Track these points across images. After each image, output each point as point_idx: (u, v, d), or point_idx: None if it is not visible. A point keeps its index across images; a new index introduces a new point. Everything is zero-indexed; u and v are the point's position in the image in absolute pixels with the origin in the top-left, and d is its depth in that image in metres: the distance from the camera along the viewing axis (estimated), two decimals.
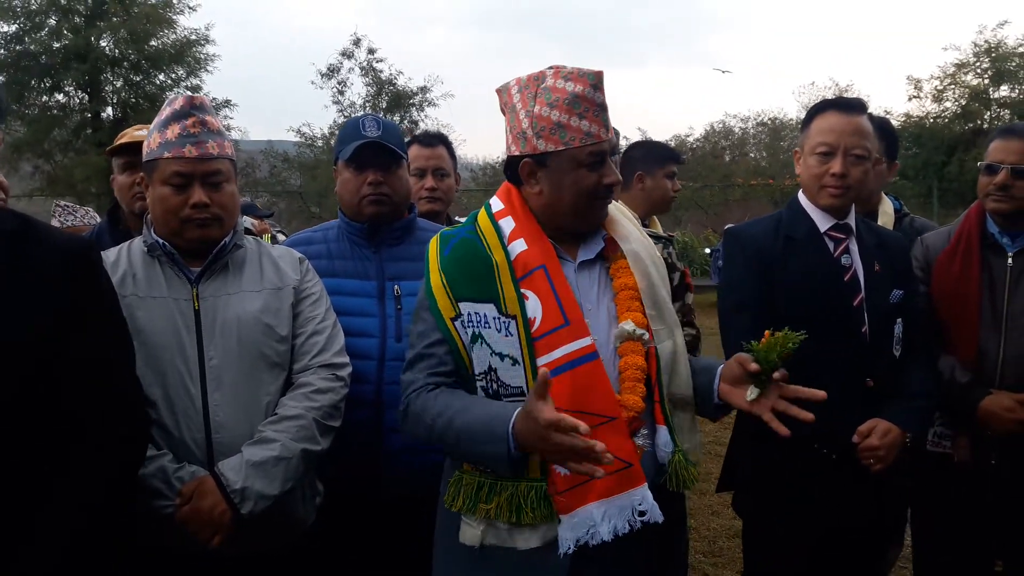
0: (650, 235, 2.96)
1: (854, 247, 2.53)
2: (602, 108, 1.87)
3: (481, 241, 1.93)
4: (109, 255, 2.12)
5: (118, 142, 2.93)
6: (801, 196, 2.60)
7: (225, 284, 2.14)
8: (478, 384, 1.86)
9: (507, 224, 1.95)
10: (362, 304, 2.46)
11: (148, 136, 2.16)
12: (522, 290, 1.86)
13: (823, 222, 2.53)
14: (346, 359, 2.23)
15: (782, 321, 2.42)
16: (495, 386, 1.84)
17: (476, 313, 1.85)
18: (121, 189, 2.88)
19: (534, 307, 1.84)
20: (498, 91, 2.00)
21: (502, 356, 1.83)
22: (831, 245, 2.51)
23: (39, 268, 1.64)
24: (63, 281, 1.66)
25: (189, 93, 2.20)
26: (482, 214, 2.01)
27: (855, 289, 2.47)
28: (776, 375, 1.82)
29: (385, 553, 2.39)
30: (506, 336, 1.83)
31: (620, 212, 2.12)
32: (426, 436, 1.86)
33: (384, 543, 2.39)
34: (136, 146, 2.74)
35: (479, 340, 1.84)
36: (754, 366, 1.84)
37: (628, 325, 1.87)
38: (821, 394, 1.82)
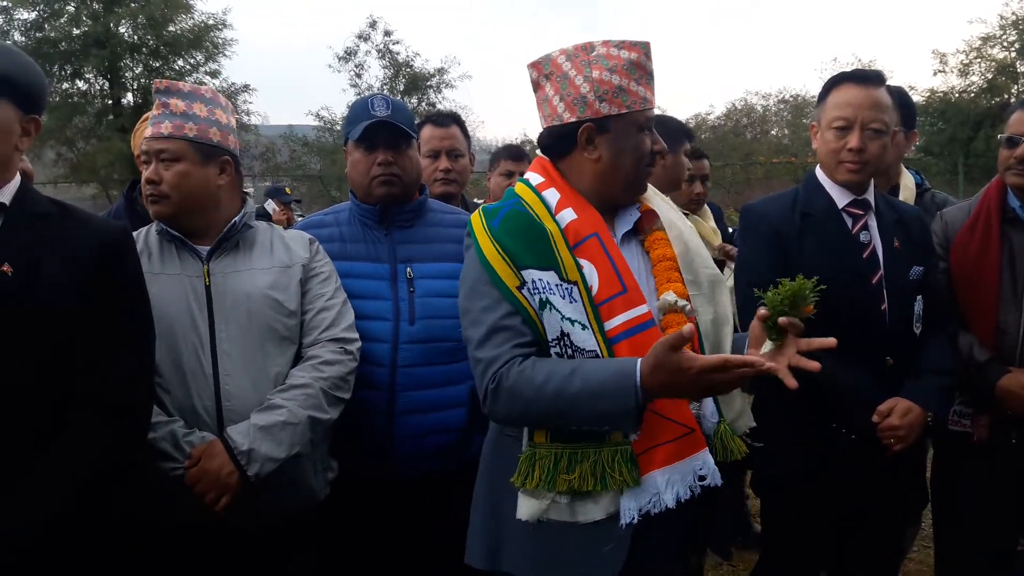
0: None
1: (873, 223, 2.49)
2: (652, 76, 1.92)
3: (530, 212, 1.89)
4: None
5: None
6: (818, 172, 2.56)
7: (235, 262, 2.23)
8: (552, 351, 1.82)
9: (551, 195, 1.92)
10: (375, 287, 2.45)
11: None
12: (578, 259, 1.84)
13: (841, 198, 2.49)
14: (355, 335, 2.29)
15: None
16: (570, 351, 1.80)
17: (540, 280, 1.80)
18: None
19: (590, 275, 1.83)
20: (535, 64, 1.97)
21: (572, 321, 1.79)
22: (849, 221, 2.47)
23: (76, 248, 1.77)
24: (98, 262, 1.79)
25: (162, 79, 2.31)
26: (522, 188, 1.97)
27: (874, 266, 2.43)
28: (782, 321, 1.75)
29: (396, 533, 2.40)
30: (571, 302, 1.80)
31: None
32: (526, 407, 1.77)
33: (395, 523, 2.39)
34: None
35: (548, 306, 1.80)
36: (763, 311, 1.79)
37: (670, 296, 1.86)
38: (831, 341, 1.75)
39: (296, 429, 2.07)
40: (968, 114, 23.22)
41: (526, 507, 1.83)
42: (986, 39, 23.67)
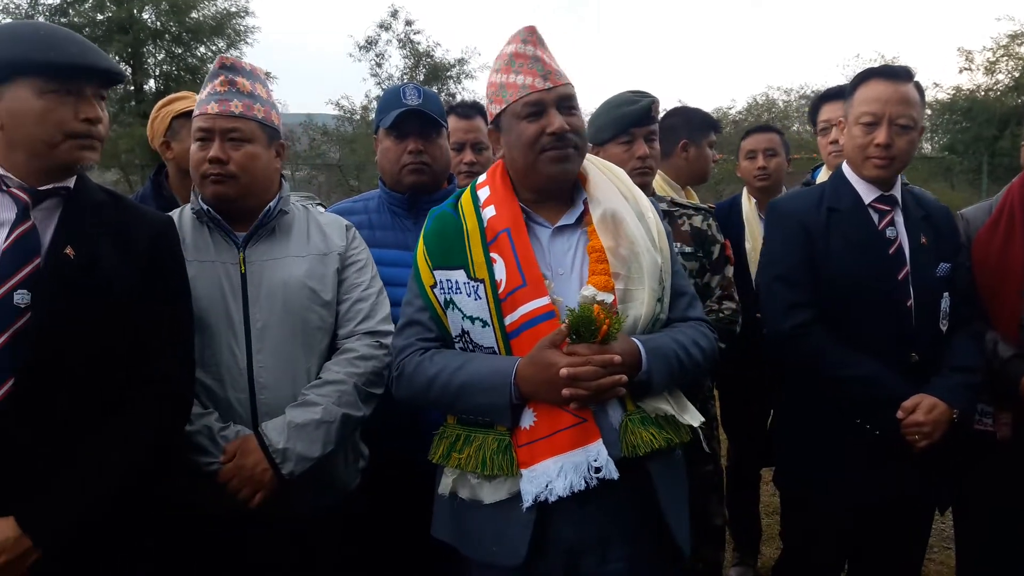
0: (689, 206, 2.92)
1: (899, 219, 2.48)
2: (535, 60, 1.93)
3: (457, 212, 2.00)
4: None
5: (183, 107, 2.92)
6: (845, 167, 2.56)
7: (271, 248, 2.18)
8: (456, 345, 1.97)
9: (484, 193, 2.02)
10: (402, 274, 2.43)
11: None
12: (491, 254, 1.91)
13: (868, 193, 2.48)
14: (390, 326, 2.24)
15: (825, 294, 2.41)
16: (471, 347, 1.94)
17: (448, 280, 1.94)
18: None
19: (500, 270, 1.89)
20: None
21: (472, 319, 1.91)
22: (876, 217, 2.47)
23: (131, 237, 1.82)
24: (151, 252, 1.84)
25: (225, 55, 2.28)
26: (469, 187, 2.08)
27: (900, 262, 2.42)
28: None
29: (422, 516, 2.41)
30: (475, 300, 1.90)
31: (611, 173, 2.08)
32: (421, 395, 1.95)
33: (423, 512, 2.41)
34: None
35: (451, 305, 1.94)
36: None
37: (588, 290, 1.87)
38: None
39: (331, 428, 2.06)
40: (994, 112, 22.87)
41: (442, 482, 1.98)
42: (1014, 36, 23.30)
